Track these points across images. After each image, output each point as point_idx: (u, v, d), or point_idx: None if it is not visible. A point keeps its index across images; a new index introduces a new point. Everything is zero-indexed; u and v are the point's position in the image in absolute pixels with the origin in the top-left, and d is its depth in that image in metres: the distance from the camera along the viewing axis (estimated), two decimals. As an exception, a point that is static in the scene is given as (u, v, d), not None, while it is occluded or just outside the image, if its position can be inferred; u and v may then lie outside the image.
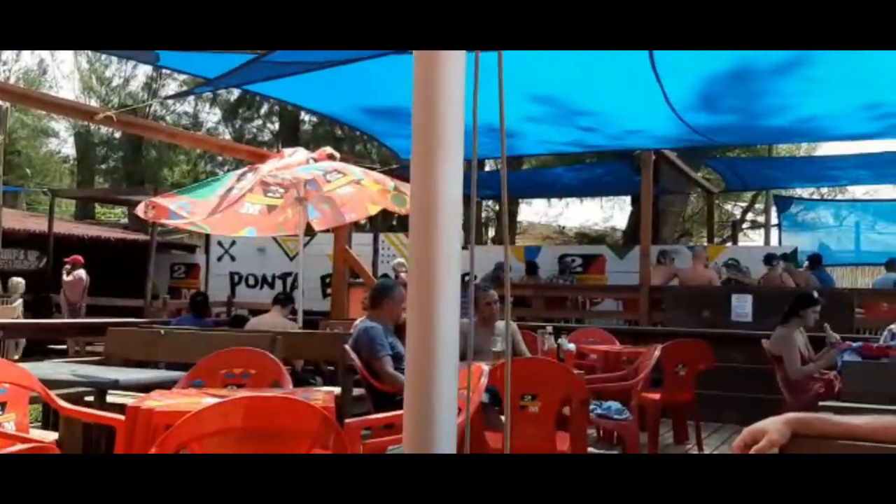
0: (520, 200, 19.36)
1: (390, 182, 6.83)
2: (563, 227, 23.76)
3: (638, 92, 5.42)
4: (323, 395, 2.67)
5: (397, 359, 4.29)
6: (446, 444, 1.17)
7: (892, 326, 5.91)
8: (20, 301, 10.94)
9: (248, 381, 3.65)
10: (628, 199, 16.92)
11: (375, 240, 12.59)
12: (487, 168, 16.52)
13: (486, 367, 3.13)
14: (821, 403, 2.75)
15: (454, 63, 1.09)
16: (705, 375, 6.27)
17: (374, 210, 7.22)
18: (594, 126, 6.87)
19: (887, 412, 1.95)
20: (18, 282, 11.13)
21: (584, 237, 21.58)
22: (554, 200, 21.59)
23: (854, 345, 5.45)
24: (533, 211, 23.63)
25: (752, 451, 1.67)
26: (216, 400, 2.18)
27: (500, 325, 5.36)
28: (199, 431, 1.97)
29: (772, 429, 1.70)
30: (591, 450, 5.58)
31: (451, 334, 1.15)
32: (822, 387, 5.70)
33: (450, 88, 1.08)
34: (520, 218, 21.16)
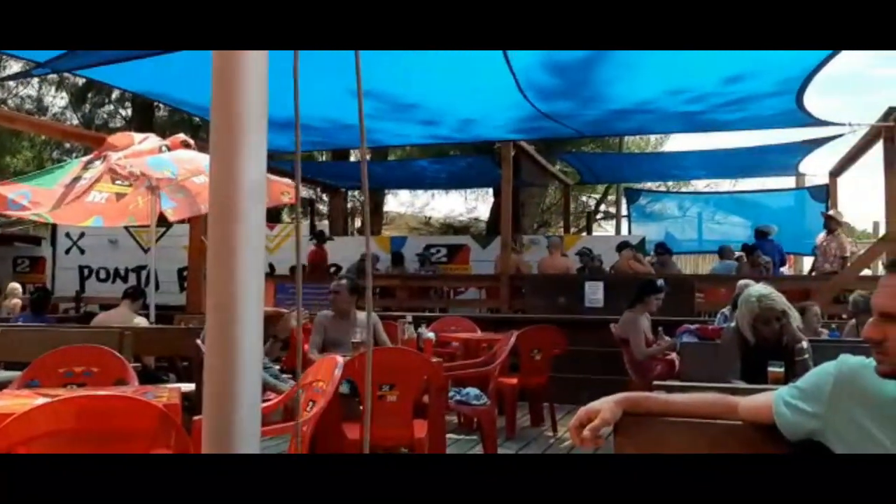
0: (386, 191, 19.37)
1: None
2: (430, 218, 23.97)
3: (481, 75, 5.52)
4: (168, 392, 2.58)
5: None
6: (248, 443, 1.16)
7: (724, 310, 6.39)
8: None
9: (90, 379, 3.47)
10: (491, 191, 17.31)
11: (236, 231, 12.21)
12: (353, 159, 16.40)
13: (340, 359, 3.12)
14: (655, 383, 2.95)
15: (256, 56, 1.08)
16: (560, 359, 6.56)
17: None
18: (433, 119, 6.97)
19: (708, 390, 2.12)
20: None
21: (449, 228, 21.88)
22: (419, 192, 21.76)
23: (692, 327, 5.85)
24: (399, 202, 23.71)
25: (586, 429, 1.78)
26: (48, 400, 2.06)
27: (360, 316, 5.37)
28: (27, 433, 1.85)
29: (605, 408, 1.82)
30: (450, 436, 5.70)
31: (252, 328, 1.14)
32: (665, 367, 6.09)
33: (251, 80, 1.08)
34: (386, 208, 21.17)
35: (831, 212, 9.83)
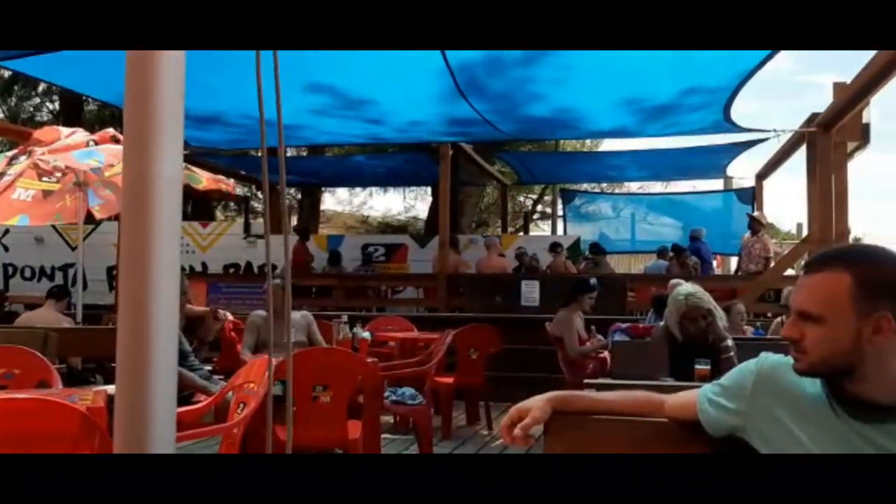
0: (322, 189, 19.17)
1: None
2: (367, 217, 23.86)
3: (423, 78, 5.51)
4: (94, 394, 2.50)
5: (180, 355, 4.11)
6: (162, 443, 1.14)
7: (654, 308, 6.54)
8: None
9: (11, 382, 3.34)
10: (429, 189, 17.32)
11: (167, 228, 11.91)
12: (289, 154, 16.18)
13: (273, 360, 3.07)
14: (585, 381, 3.00)
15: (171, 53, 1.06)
16: (496, 358, 6.60)
17: None
18: (379, 118, 6.94)
19: (636, 387, 2.17)
20: None
21: (387, 227, 21.81)
22: (357, 190, 21.62)
23: (623, 325, 5.98)
24: (336, 200, 23.49)
25: (517, 428, 1.79)
26: (-36, 405, 1.98)
27: (295, 316, 5.31)
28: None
29: (535, 407, 1.83)
30: (386, 436, 5.69)
31: (166, 327, 1.11)
32: (597, 365, 6.21)
33: (167, 78, 1.05)
34: (323, 207, 20.96)
35: (755, 214, 10.18)
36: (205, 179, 6.35)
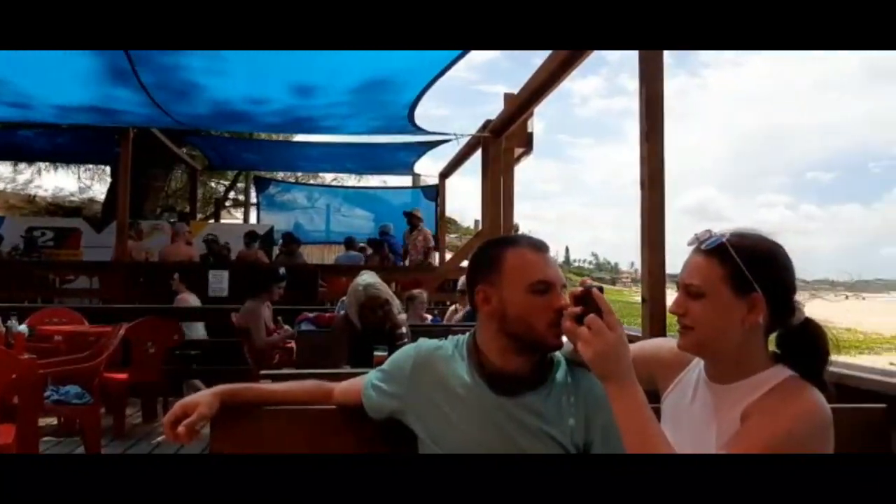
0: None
1: None
2: (34, 196, 21.19)
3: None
4: None
5: None
6: None
7: (343, 298, 6.71)
8: None
9: None
10: (108, 169, 15.90)
11: None
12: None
13: None
14: (262, 372, 2.99)
15: None
16: (177, 351, 6.29)
17: None
18: (24, 102, 6.21)
19: (310, 376, 2.20)
20: None
21: (58, 208, 19.58)
22: (22, 165, 19.10)
23: (310, 315, 6.04)
24: (-4, 176, 20.45)
25: (181, 425, 1.72)
26: None
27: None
28: None
29: (202, 402, 1.78)
30: (48, 439, 5.17)
31: None
32: (284, 355, 6.21)
33: None
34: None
35: (411, 210, 11.04)
36: None
